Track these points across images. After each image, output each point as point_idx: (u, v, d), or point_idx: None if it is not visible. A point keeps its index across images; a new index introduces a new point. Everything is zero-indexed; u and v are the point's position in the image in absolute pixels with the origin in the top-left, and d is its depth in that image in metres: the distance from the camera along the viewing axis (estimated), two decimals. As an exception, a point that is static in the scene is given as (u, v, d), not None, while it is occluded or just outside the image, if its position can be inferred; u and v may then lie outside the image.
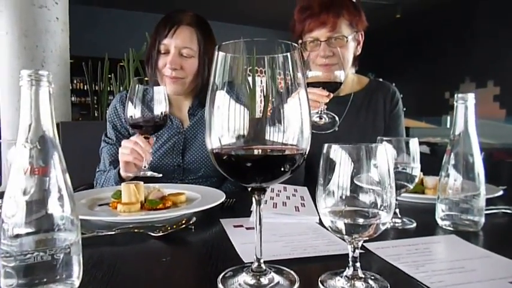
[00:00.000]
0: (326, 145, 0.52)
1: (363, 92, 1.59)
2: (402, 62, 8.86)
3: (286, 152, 0.51)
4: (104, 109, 3.11)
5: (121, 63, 2.94)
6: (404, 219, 0.88)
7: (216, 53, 0.52)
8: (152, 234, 0.75)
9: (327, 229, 0.54)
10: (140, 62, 2.76)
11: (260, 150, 0.50)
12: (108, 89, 3.13)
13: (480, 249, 0.70)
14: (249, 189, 0.54)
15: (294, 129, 0.51)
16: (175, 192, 1.04)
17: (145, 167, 1.14)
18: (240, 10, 7.72)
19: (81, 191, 1.08)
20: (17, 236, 0.48)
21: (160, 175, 1.17)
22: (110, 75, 3.10)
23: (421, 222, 0.88)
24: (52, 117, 0.49)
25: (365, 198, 0.51)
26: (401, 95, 1.67)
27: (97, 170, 1.47)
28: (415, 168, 0.85)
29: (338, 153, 0.51)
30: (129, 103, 1.11)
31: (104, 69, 3.04)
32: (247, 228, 0.82)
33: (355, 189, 0.51)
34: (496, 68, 6.82)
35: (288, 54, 0.52)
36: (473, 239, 0.77)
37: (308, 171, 1.41)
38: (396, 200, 0.87)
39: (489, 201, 0.94)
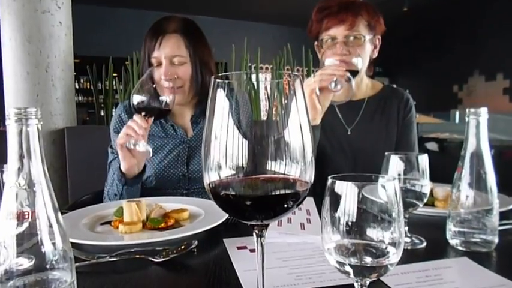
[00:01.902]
0: (330, 180, 0.50)
1: (377, 98, 1.57)
2: (410, 56, 8.75)
3: (290, 187, 0.48)
4: (109, 108, 3.11)
5: (127, 62, 2.93)
6: (413, 238, 0.85)
7: (213, 81, 0.49)
8: (153, 260, 0.73)
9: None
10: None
11: (261, 188, 0.47)
12: (114, 87, 3.13)
13: (494, 276, 0.67)
14: (249, 224, 0.51)
15: (297, 160, 0.49)
16: (177, 208, 1.02)
17: (138, 145, 1.15)
18: (246, 7, 7.67)
19: (82, 209, 1.06)
20: (9, 279, 0.47)
21: (150, 150, 1.17)
22: (115, 74, 3.10)
23: (431, 240, 0.85)
24: (42, 156, 0.47)
25: (372, 233, 0.48)
26: (409, 89, 1.65)
27: (105, 185, 1.43)
28: (425, 186, 0.82)
29: (343, 187, 0.49)
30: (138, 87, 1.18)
31: (108, 71, 3.03)
32: (250, 251, 0.80)
33: (362, 224, 0.48)
34: (506, 61, 6.70)
35: (290, 82, 0.49)
36: (486, 262, 0.74)
37: (318, 171, 1.38)
38: (405, 217, 0.84)
39: (501, 215, 0.90)
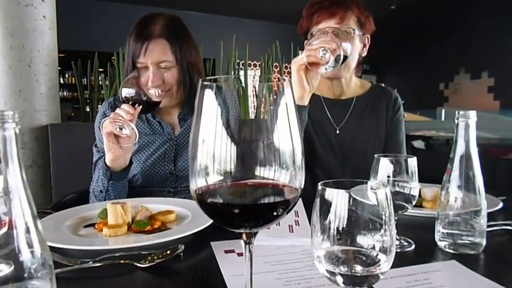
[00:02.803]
0: (320, 186, 0.48)
1: (366, 96, 1.58)
2: (397, 54, 8.82)
3: (279, 194, 0.47)
4: (95, 104, 3.04)
5: (113, 57, 2.87)
6: (402, 241, 0.85)
7: (200, 84, 0.48)
8: (138, 265, 0.71)
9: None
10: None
11: (250, 196, 0.46)
12: (99, 83, 3.06)
13: (483, 279, 0.67)
14: (237, 232, 0.50)
15: (286, 165, 0.47)
16: (164, 210, 1.00)
17: (125, 128, 1.13)
18: (235, 3, 7.62)
19: (66, 210, 1.03)
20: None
21: (137, 132, 1.16)
22: (101, 69, 3.04)
23: (420, 241, 0.85)
24: (19, 162, 0.45)
25: (363, 240, 0.48)
26: (396, 87, 1.67)
27: (91, 183, 1.39)
28: (414, 188, 0.81)
29: (333, 194, 0.47)
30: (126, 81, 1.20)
31: (93, 66, 2.97)
32: (238, 254, 0.78)
33: (352, 231, 0.47)
34: (491, 59, 6.81)
35: (279, 85, 0.47)
36: (475, 265, 0.74)
37: (308, 170, 1.37)
38: (394, 220, 0.84)
39: (488, 216, 0.91)
